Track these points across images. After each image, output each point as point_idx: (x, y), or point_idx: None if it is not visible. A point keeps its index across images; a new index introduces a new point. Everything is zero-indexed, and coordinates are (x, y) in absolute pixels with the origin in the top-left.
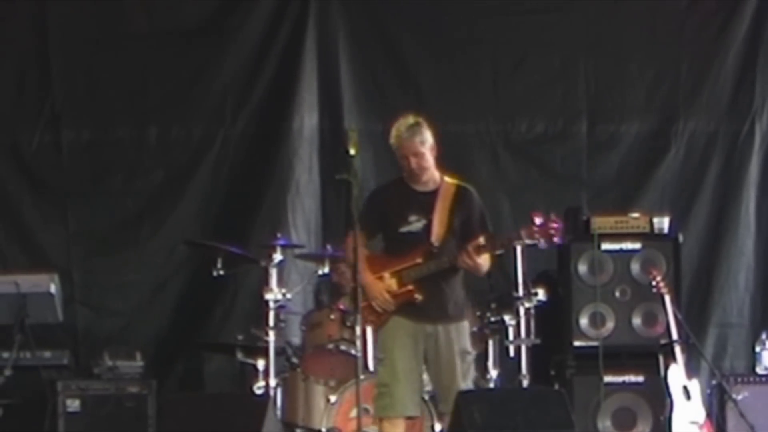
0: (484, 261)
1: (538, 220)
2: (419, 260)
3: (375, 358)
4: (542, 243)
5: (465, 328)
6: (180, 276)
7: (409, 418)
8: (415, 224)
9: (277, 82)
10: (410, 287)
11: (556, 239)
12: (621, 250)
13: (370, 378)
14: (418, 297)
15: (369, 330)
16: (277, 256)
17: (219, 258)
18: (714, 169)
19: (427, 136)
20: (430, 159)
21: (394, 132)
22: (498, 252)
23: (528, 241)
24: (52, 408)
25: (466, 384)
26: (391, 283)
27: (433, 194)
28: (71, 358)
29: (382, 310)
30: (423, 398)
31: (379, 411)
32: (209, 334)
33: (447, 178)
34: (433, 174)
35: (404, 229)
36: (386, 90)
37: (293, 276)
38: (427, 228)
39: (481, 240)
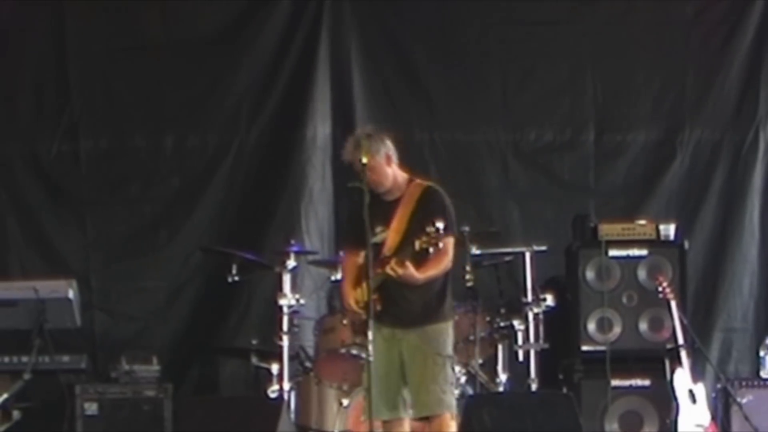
0: (413, 272)
1: (429, 229)
2: (379, 270)
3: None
4: (432, 249)
5: (441, 330)
6: (195, 282)
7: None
8: (380, 235)
9: (290, 91)
10: (374, 297)
11: (440, 245)
12: (628, 257)
13: None
14: (378, 307)
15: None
16: (291, 263)
17: (234, 264)
18: (719, 177)
19: (377, 148)
20: (386, 169)
21: (345, 149)
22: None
23: (421, 252)
24: (70, 411)
25: (438, 386)
26: (364, 293)
27: (396, 202)
28: (89, 362)
29: (356, 320)
30: None
31: (364, 413)
32: (224, 338)
33: (417, 181)
34: (396, 182)
35: (373, 240)
36: (397, 99)
37: (307, 282)
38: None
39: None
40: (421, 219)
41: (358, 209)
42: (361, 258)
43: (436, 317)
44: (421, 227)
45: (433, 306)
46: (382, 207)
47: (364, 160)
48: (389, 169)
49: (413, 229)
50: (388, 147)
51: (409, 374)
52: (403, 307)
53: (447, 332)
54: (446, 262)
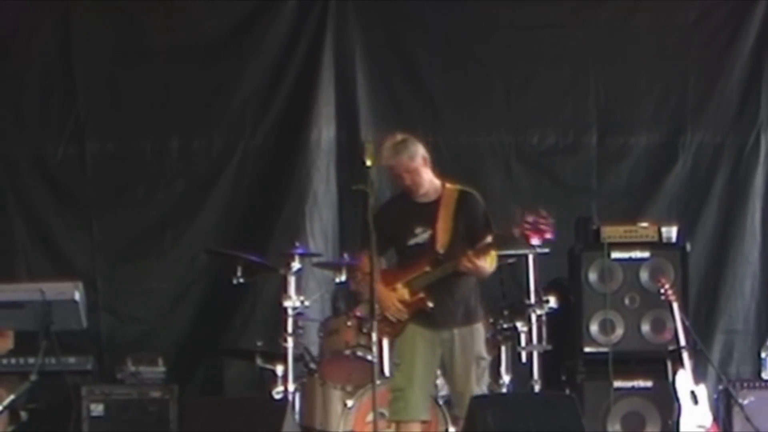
0: (485, 263)
1: (529, 218)
2: (427, 269)
3: (392, 363)
4: (535, 239)
5: (479, 331)
6: (201, 284)
7: (423, 421)
8: (421, 236)
9: (295, 95)
10: (421, 295)
11: (548, 235)
12: (630, 259)
13: (386, 383)
14: (430, 304)
15: (385, 339)
16: (296, 265)
17: (239, 266)
18: (721, 179)
19: (415, 150)
20: (423, 171)
21: (383, 153)
22: (495, 252)
23: (520, 238)
24: (76, 412)
25: (480, 389)
26: (404, 293)
27: (436, 203)
28: (95, 363)
29: (395, 320)
30: (437, 402)
31: (393, 414)
32: (229, 340)
33: (448, 185)
34: (432, 184)
35: (411, 241)
36: (401, 103)
37: (311, 284)
38: (433, 237)
39: (488, 239)
40: (465, 221)
41: (388, 214)
42: (382, 261)
43: (475, 317)
44: (469, 233)
45: (472, 306)
46: (420, 208)
47: (369, 162)
48: (426, 171)
49: (458, 229)
50: (423, 150)
51: (452, 376)
52: (450, 306)
53: (483, 333)
54: (495, 260)
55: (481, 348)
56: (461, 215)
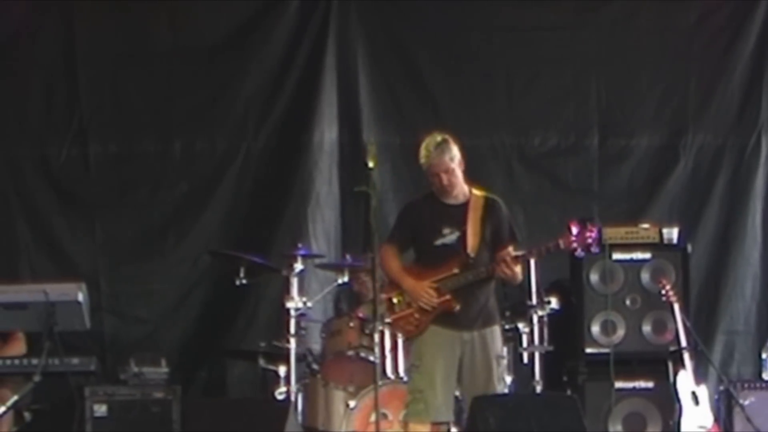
0: (520, 270)
1: (575, 229)
2: (456, 271)
3: (410, 365)
4: (580, 251)
5: (497, 332)
6: (204, 285)
7: (440, 423)
8: (449, 237)
9: (297, 96)
10: (447, 297)
11: (593, 248)
12: (631, 260)
13: (388, 383)
14: (457, 306)
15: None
16: (298, 266)
17: (242, 267)
18: (721, 181)
19: (455, 152)
20: (459, 174)
21: (423, 152)
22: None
23: (565, 249)
24: (79, 413)
25: (501, 387)
26: (439, 289)
27: (464, 206)
28: (98, 364)
29: (430, 308)
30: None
31: (411, 416)
32: (232, 341)
33: (475, 190)
34: (462, 187)
35: (439, 241)
36: (404, 104)
37: (313, 285)
38: (461, 240)
39: (514, 250)
40: (491, 227)
41: (416, 212)
42: (401, 255)
43: (494, 319)
44: (494, 239)
45: (491, 309)
46: (448, 209)
47: (371, 164)
48: (460, 173)
49: (485, 234)
50: (458, 152)
51: (472, 376)
52: (474, 309)
53: (500, 333)
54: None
55: (500, 347)
56: (489, 221)
